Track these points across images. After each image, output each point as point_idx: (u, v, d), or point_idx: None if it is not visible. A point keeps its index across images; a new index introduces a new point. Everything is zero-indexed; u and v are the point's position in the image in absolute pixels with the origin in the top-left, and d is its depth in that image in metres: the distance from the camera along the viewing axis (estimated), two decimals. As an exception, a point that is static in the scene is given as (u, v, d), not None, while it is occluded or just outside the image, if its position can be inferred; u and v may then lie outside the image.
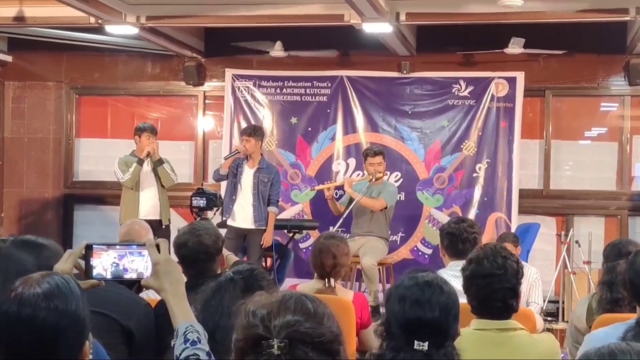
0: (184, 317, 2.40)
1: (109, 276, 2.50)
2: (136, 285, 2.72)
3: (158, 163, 8.61)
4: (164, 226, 8.58)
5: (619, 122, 9.67)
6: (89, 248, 2.50)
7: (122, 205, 8.69)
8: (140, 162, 8.55)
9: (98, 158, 10.64)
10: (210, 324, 2.55)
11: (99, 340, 2.68)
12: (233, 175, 8.41)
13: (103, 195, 10.40)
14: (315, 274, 4.96)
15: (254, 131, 8.52)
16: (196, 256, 4.16)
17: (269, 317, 1.70)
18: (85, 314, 2.05)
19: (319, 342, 1.69)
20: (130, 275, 2.52)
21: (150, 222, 8.09)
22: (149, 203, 8.63)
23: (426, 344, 2.59)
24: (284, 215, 9.56)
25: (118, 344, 3.56)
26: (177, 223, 9.05)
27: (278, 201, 8.57)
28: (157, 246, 2.47)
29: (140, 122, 9.37)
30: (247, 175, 8.39)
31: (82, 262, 2.47)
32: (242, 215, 8.35)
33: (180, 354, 2.31)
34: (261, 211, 8.33)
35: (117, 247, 2.54)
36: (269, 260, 8.92)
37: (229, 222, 8.33)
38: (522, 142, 9.46)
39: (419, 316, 2.64)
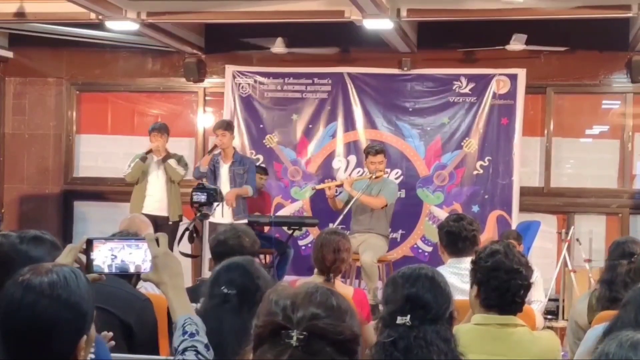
0: (183, 310, 2.43)
1: (106, 269, 2.52)
2: (134, 277, 2.74)
3: (164, 159, 8.71)
4: (171, 222, 8.61)
5: (621, 119, 9.64)
6: (89, 243, 2.51)
7: (131, 200, 8.83)
8: (143, 158, 8.68)
9: (98, 154, 10.65)
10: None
11: (99, 335, 2.70)
12: (211, 172, 8.43)
13: (103, 191, 10.40)
14: (316, 269, 4.96)
15: (229, 125, 8.56)
16: (233, 256, 4.22)
17: (292, 308, 1.69)
18: (87, 309, 2.07)
19: (338, 339, 1.68)
20: (129, 268, 2.54)
21: (155, 217, 8.20)
22: (155, 198, 8.73)
23: (408, 317, 2.58)
24: (283, 212, 9.57)
25: (117, 339, 3.55)
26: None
27: (254, 188, 8.53)
28: (157, 240, 2.49)
29: (140, 119, 9.42)
30: (224, 170, 8.43)
31: (83, 257, 2.49)
32: (222, 211, 8.36)
33: (178, 346, 2.35)
34: (239, 205, 8.34)
35: (116, 240, 2.57)
36: (268, 257, 8.93)
37: (210, 219, 8.29)
38: (523, 139, 9.44)
39: (403, 293, 2.67)
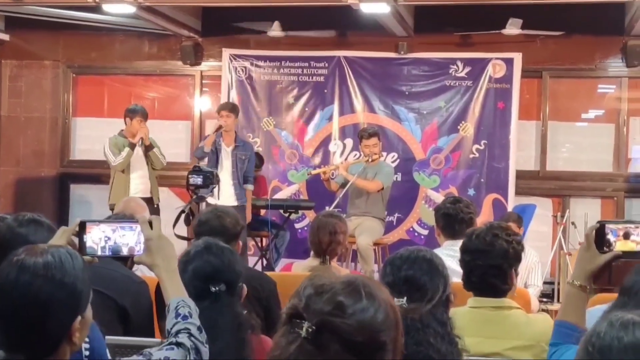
0: (176, 293, 2.43)
1: (100, 252, 2.52)
2: (130, 260, 2.74)
3: (149, 148, 8.71)
4: (155, 205, 8.63)
5: (616, 103, 9.66)
6: (82, 225, 2.52)
7: (112, 186, 8.77)
8: (133, 146, 8.64)
9: (95, 137, 10.59)
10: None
11: (94, 319, 2.70)
12: (213, 153, 8.46)
13: (99, 174, 10.35)
14: (312, 252, 4.98)
15: (234, 108, 8.60)
16: (214, 236, 4.20)
17: (315, 298, 1.66)
18: (83, 289, 2.07)
19: (351, 340, 1.63)
20: (122, 250, 2.54)
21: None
22: (139, 182, 8.74)
23: (404, 299, 2.57)
24: (280, 195, 9.59)
25: (112, 321, 3.56)
26: (174, 202, 9.09)
27: (253, 178, 8.67)
28: (150, 223, 2.48)
29: (136, 102, 9.40)
30: (226, 153, 8.46)
31: (77, 240, 2.49)
32: (225, 194, 8.40)
33: (171, 328, 2.34)
34: (241, 188, 8.48)
35: (109, 222, 2.58)
36: (264, 240, 8.96)
37: (211, 201, 8.31)
38: (519, 123, 9.46)
39: (401, 275, 2.66)
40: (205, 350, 2.34)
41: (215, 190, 8.42)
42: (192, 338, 2.31)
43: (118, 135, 8.77)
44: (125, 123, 8.79)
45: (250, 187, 8.62)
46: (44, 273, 2.01)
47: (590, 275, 2.71)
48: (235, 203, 8.37)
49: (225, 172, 8.44)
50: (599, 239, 2.70)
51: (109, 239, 2.51)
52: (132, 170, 8.72)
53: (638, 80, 9.60)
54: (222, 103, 9.04)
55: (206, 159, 8.56)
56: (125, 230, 2.52)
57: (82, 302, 2.07)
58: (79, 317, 2.05)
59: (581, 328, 2.63)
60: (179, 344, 2.28)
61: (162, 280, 2.46)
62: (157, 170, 8.80)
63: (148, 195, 8.64)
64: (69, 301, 2.03)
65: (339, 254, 5.09)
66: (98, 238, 2.52)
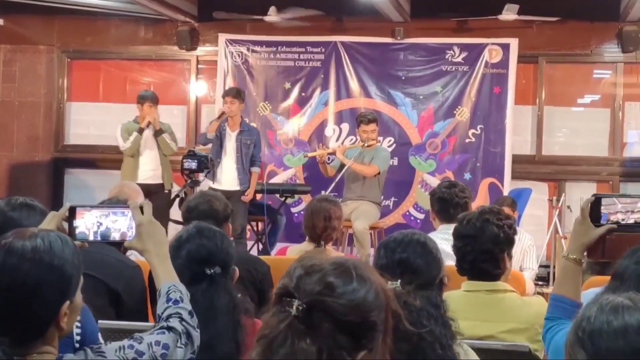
0: (167, 278, 2.43)
1: (92, 237, 2.51)
2: (123, 245, 2.73)
3: (158, 133, 8.71)
4: (166, 190, 8.64)
5: (612, 89, 9.68)
6: (72, 210, 2.51)
7: (122, 170, 8.82)
8: (141, 131, 8.68)
9: (90, 122, 10.63)
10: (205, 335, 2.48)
11: (86, 303, 2.69)
12: (217, 139, 8.44)
13: (94, 159, 10.39)
14: (307, 237, 4.97)
15: (238, 93, 8.56)
16: (205, 220, 4.19)
17: (305, 277, 1.67)
18: (72, 273, 2.04)
19: (342, 320, 1.63)
20: (114, 236, 2.54)
21: (149, 186, 8.23)
22: (148, 167, 8.75)
23: (398, 281, 2.55)
24: (276, 180, 9.59)
25: (105, 306, 3.54)
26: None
27: (260, 161, 8.65)
28: (141, 208, 2.48)
29: (132, 87, 9.39)
30: (230, 138, 8.44)
31: (66, 225, 2.49)
32: (227, 178, 8.41)
33: (162, 313, 2.34)
34: (245, 174, 8.42)
35: (100, 207, 2.58)
36: (260, 224, 8.96)
37: (214, 186, 8.32)
38: (515, 108, 9.47)
39: (395, 258, 2.65)
40: (196, 335, 2.33)
41: (218, 175, 8.46)
42: (184, 322, 2.31)
43: (132, 121, 8.83)
44: (138, 109, 8.83)
45: (256, 169, 8.57)
46: (32, 256, 1.98)
47: (585, 249, 2.73)
48: (237, 188, 8.37)
49: (229, 157, 8.44)
50: (594, 212, 2.72)
51: (100, 224, 2.51)
52: (142, 154, 8.75)
53: (633, 65, 9.61)
54: (226, 89, 9.04)
55: (210, 145, 8.56)
56: (117, 215, 2.52)
57: (71, 286, 2.04)
58: (68, 302, 2.02)
59: (576, 302, 2.64)
60: (170, 328, 2.27)
61: (153, 265, 2.46)
62: (168, 156, 8.79)
63: (159, 181, 8.68)
64: (58, 285, 2.00)
65: (334, 239, 5.08)
66: (91, 223, 2.51)
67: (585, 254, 2.75)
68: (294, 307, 1.63)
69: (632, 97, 9.65)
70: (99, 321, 3.04)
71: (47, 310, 1.99)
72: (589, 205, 2.72)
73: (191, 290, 2.74)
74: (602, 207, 2.73)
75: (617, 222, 2.73)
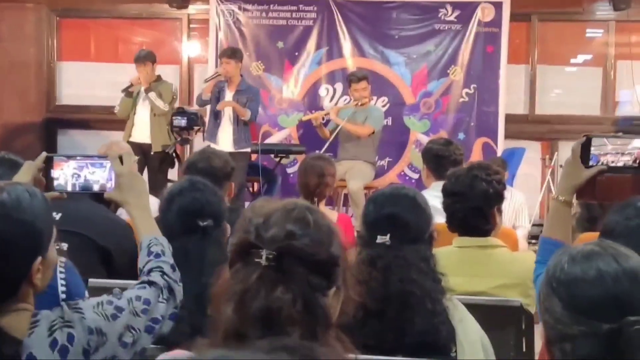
0: (148, 230, 2.39)
1: (70, 188, 2.46)
2: (113, 204, 2.69)
3: (146, 91, 8.67)
4: (153, 152, 8.58)
5: (604, 47, 9.67)
6: (49, 160, 2.45)
7: (125, 130, 8.80)
8: (129, 94, 8.64)
9: (81, 82, 10.52)
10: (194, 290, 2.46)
11: (74, 261, 2.66)
12: (216, 100, 8.38)
13: (87, 119, 10.31)
14: (301, 195, 4.97)
15: (234, 53, 8.46)
16: (203, 178, 4.16)
17: (264, 226, 1.64)
18: (43, 228, 1.95)
19: (313, 259, 1.62)
20: (93, 187, 2.48)
21: (141, 145, 8.23)
22: (140, 127, 8.72)
23: (387, 236, 2.56)
24: (271, 140, 9.57)
25: (95, 264, 3.48)
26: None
27: (256, 115, 8.50)
28: (120, 158, 2.43)
29: (123, 46, 9.34)
30: (228, 98, 8.36)
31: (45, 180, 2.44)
32: (224, 139, 8.36)
33: (143, 267, 2.30)
34: (241, 134, 8.33)
35: (78, 158, 2.50)
36: (255, 185, 8.96)
37: (212, 146, 8.28)
38: (508, 67, 9.43)
39: (384, 212, 2.63)
40: (178, 289, 2.28)
41: (218, 136, 8.40)
42: (165, 277, 2.26)
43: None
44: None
45: (248, 112, 8.27)
46: (0, 212, 1.89)
47: (575, 191, 2.71)
48: (232, 149, 8.30)
49: (225, 118, 8.38)
50: (585, 153, 2.69)
51: (79, 176, 2.46)
52: (136, 116, 8.72)
53: (625, 23, 9.58)
54: (222, 49, 8.94)
55: (208, 107, 8.52)
56: (96, 167, 2.47)
57: (42, 241, 1.95)
58: (40, 258, 1.94)
59: (566, 244, 2.62)
60: (151, 283, 2.22)
61: (133, 217, 2.42)
62: (158, 115, 8.69)
63: (147, 141, 8.62)
64: (28, 241, 1.91)
65: (327, 196, 5.06)
66: (69, 175, 2.46)
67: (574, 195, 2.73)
68: (263, 258, 1.60)
69: (624, 56, 9.63)
70: (90, 280, 3.03)
71: (19, 267, 1.91)
72: (580, 145, 2.69)
73: (183, 241, 2.74)
74: (593, 148, 2.69)
75: (607, 164, 2.69)
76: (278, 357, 0.74)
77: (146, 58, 8.73)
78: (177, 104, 8.97)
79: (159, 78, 8.86)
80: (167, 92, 8.77)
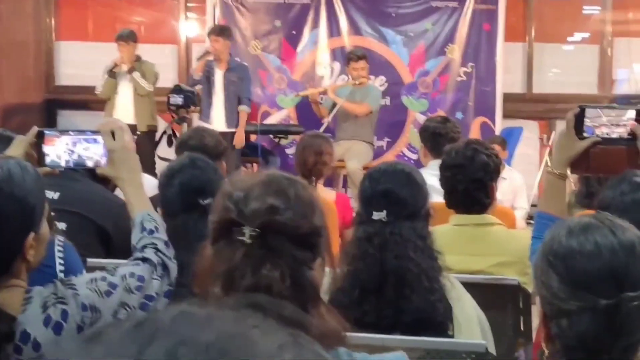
0: (141, 206, 2.37)
1: (63, 163, 2.44)
2: (112, 183, 2.68)
3: (129, 71, 8.66)
4: (139, 132, 8.50)
5: (601, 25, 9.64)
6: (40, 135, 2.42)
7: (105, 110, 8.82)
8: (112, 74, 8.62)
9: (80, 62, 10.49)
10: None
11: (73, 241, 2.66)
12: (206, 79, 8.38)
13: (87, 100, 10.26)
14: (298, 173, 4.97)
15: (222, 31, 8.46)
16: None
17: (245, 201, 1.58)
18: (35, 203, 1.92)
19: (296, 234, 1.59)
20: (87, 163, 2.46)
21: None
22: (123, 107, 8.70)
23: (384, 212, 2.55)
24: (269, 121, 9.56)
25: (94, 244, 3.47)
26: (161, 127, 9.04)
27: (250, 100, 8.55)
28: (113, 133, 2.41)
29: (122, 25, 9.32)
30: (218, 77, 8.37)
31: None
32: (216, 118, 8.36)
33: (137, 243, 2.28)
34: (233, 112, 8.35)
35: (71, 133, 2.47)
36: (254, 166, 8.96)
37: (203, 124, 8.28)
38: (505, 45, 9.41)
39: (380, 188, 2.61)
40: (173, 266, 2.26)
41: (211, 115, 8.39)
42: (159, 253, 2.23)
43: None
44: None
45: (244, 108, 8.42)
46: None
47: (569, 163, 2.69)
48: (224, 128, 8.30)
49: (218, 97, 8.38)
50: (579, 124, 2.67)
51: (72, 152, 2.43)
52: (118, 97, 8.70)
53: (622, 0, 9.55)
54: (211, 27, 8.93)
55: (200, 86, 8.51)
56: (89, 142, 2.44)
57: (35, 217, 1.92)
58: (33, 234, 1.91)
59: (561, 218, 2.64)
60: (144, 259, 2.20)
61: (126, 194, 2.40)
62: (142, 95, 8.69)
63: (131, 122, 8.58)
64: (20, 216, 1.88)
65: (324, 175, 5.06)
66: (62, 151, 2.43)
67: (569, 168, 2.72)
68: (247, 235, 1.55)
69: (621, 33, 9.61)
70: (88, 259, 3.03)
71: (11, 243, 1.88)
72: (574, 116, 2.66)
73: (183, 219, 2.76)
74: (587, 120, 2.66)
75: (601, 136, 2.66)
76: (242, 313, 0.73)
77: (129, 37, 8.70)
78: (157, 84, 8.92)
79: (138, 58, 8.82)
80: (150, 72, 8.74)
